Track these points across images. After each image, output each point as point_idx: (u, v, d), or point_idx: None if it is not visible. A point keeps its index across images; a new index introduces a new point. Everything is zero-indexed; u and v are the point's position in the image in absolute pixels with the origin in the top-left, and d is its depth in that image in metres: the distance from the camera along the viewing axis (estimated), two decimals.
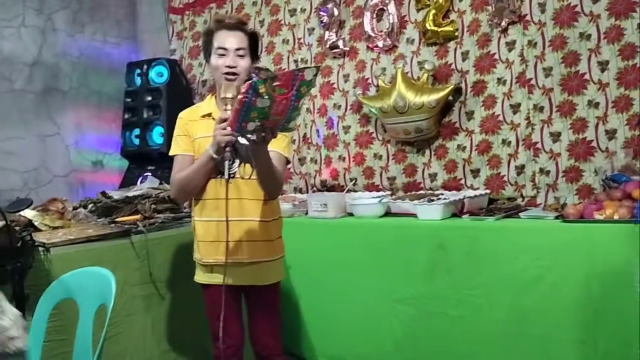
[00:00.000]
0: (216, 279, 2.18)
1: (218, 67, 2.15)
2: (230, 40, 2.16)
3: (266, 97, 1.69)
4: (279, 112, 1.78)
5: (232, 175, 2.04)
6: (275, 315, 2.34)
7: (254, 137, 1.86)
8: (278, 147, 2.14)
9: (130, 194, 3.08)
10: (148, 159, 4.13)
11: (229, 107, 1.96)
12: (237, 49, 2.16)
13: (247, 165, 2.05)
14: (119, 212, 2.93)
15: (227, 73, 2.13)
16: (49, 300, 2.03)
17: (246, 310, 2.34)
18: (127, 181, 4.07)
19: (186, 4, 4.44)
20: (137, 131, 4.23)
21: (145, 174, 3.93)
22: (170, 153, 2.27)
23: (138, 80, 4.29)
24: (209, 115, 2.20)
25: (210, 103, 2.26)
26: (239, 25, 2.21)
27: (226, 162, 1.92)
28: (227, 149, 1.93)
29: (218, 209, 2.11)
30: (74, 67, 4.42)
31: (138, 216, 2.88)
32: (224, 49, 2.15)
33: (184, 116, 2.30)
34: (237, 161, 2.05)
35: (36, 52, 4.22)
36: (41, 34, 4.26)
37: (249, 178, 2.07)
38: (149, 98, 4.21)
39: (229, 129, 1.87)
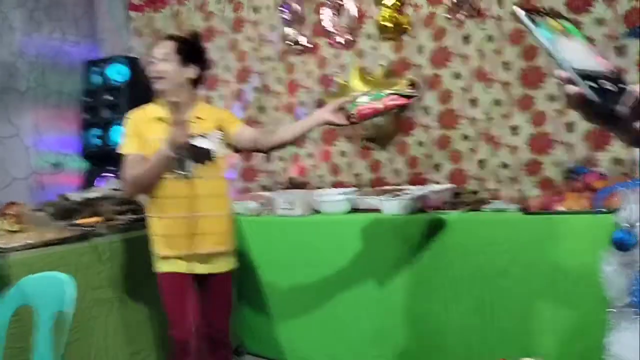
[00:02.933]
0: (175, 267, 2.36)
1: (150, 75, 2.38)
2: (158, 49, 2.39)
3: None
4: None
5: (189, 173, 2.30)
6: (226, 301, 2.55)
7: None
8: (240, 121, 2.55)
9: (91, 195, 3.02)
10: (109, 160, 4.03)
11: (176, 110, 2.18)
12: (162, 56, 2.36)
13: (201, 165, 2.33)
14: (78, 214, 2.87)
15: (152, 77, 2.36)
16: (5, 308, 1.93)
17: (200, 296, 2.47)
18: (88, 182, 3.98)
19: (147, 1, 4.35)
20: (97, 131, 4.13)
21: (106, 175, 3.85)
22: (123, 152, 2.35)
23: (97, 79, 4.20)
24: (160, 118, 2.33)
25: (160, 108, 2.38)
26: (170, 36, 2.46)
27: (188, 169, 2.26)
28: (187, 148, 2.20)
29: (177, 206, 2.31)
30: (31, 66, 4.30)
31: (99, 218, 2.82)
32: (153, 57, 2.38)
33: (134, 117, 2.43)
34: (191, 162, 2.30)
35: None
36: None
37: (204, 177, 2.33)
38: (109, 97, 4.11)
39: (184, 130, 2.17)
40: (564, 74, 0.75)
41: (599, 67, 0.76)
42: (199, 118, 2.38)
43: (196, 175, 2.33)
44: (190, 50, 2.42)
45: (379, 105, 2.10)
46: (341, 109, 2.16)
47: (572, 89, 0.74)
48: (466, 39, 3.00)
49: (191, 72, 2.40)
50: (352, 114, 2.13)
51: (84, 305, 2.50)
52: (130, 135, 2.37)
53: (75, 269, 2.50)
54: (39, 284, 1.91)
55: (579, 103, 0.75)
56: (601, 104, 0.73)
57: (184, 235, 2.32)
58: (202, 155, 2.34)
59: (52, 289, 1.82)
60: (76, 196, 3.02)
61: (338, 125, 2.22)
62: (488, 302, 2.49)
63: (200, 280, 2.43)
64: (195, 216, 2.32)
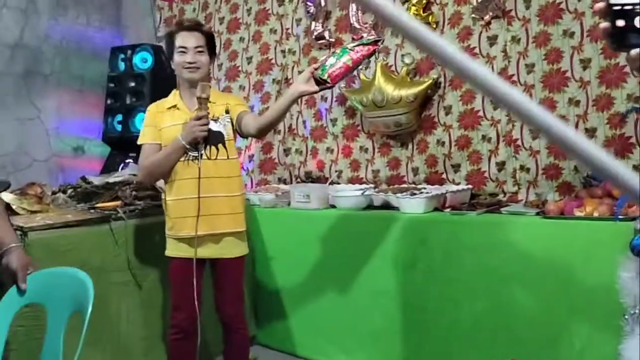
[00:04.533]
0: (185, 252, 2.44)
1: (180, 63, 2.46)
2: (190, 40, 2.47)
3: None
4: None
5: (202, 157, 2.40)
6: (239, 286, 2.59)
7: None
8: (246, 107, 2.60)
9: (111, 180, 3.05)
10: (130, 146, 4.06)
11: (203, 106, 2.34)
12: (196, 47, 2.46)
13: (213, 147, 2.43)
14: (99, 198, 2.90)
15: (188, 68, 2.45)
16: (10, 306, 1.74)
17: (212, 282, 2.56)
18: (108, 167, 4.02)
19: None
20: (119, 117, 4.17)
21: (127, 161, 3.89)
22: (139, 142, 2.51)
23: (122, 66, 4.23)
24: (175, 107, 2.48)
25: (175, 97, 2.54)
26: (197, 27, 2.53)
27: (201, 151, 2.37)
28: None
29: (188, 188, 2.40)
30: (56, 50, 4.35)
31: (118, 202, 2.85)
32: (185, 47, 2.46)
33: (152, 109, 2.57)
34: (203, 144, 2.40)
35: (18, 34, 4.15)
36: (23, 16, 4.19)
37: (216, 158, 2.43)
38: (133, 84, 4.15)
39: (205, 126, 2.33)
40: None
41: None
42: (210, 102, 2.46)
43: (208, 157, 2.43)
44: (214, 43, 2.59)
45: (347, 61, 2.14)
46: (313, 77, 2.24)
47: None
48: (491, 39, 2.98)
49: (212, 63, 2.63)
50: (324, 79, 2.18)
51: (98, 288, 2.50)
52: (148, 125, 2.52)
53: (92, 251, 2.55)
54: (53, 280, 1.76)
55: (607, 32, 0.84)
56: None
57: (196, 217, 2.39)
58: (214, 138, 2.43)
59: (69, 287, 1.71)
60: (97, 180, 3.06)
61: (313, 93, 2.29)
62: (501, 304, 2.49)
63: (212, 265, 2.53)
64: (207, 197, 2.41)
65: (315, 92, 2.29)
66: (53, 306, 1.72)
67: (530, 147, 2.88)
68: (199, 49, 2.47)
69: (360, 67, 2.46)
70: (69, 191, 2.98)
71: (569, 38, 2.75)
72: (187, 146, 2.36)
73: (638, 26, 0.83)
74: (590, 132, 2.72)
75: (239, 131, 2.51)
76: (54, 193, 2.97)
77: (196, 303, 2.41)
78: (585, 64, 2.72)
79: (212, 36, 2.61)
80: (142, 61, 4.17)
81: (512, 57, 2.93)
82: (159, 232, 2.59)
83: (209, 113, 2.36)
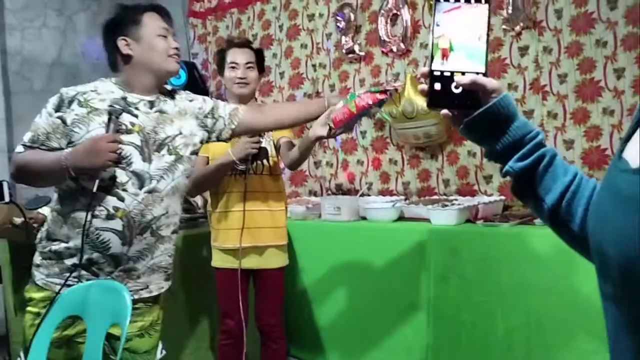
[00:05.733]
0: (230, 263, 2.57)
1: (231, 78, 2.58)
2: (241, 56, 2.59)
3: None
4: None
5: (249, 171, 2.53)
6: (279, 296, 2.71)
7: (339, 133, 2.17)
8: (289, 134, 2.67)
9: None
10: None
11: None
12: (246, 63, 2.58)
13: (259, 162, 2.55)
14: None
15: (238, 83, 2.57)
16: (52, 318, 1.77)
17: (253, 291, 2.69)
18: None
19: (208, 8, 4.48)
20: None
21: None
22: None
23: None
24: None
25: None
26: (247, 44, 2.66)
27: (248, 166, 2.49)
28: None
29: (235, 201, 2.53)
30: (93, 67, 4.47)
31: None
32: (236, 63, 2.58)
33: None
34: (250, 160, 2.50)
35: (56, 52, 4.29)
36: (62, 35, 4.34)
37: (262, 173, 2.57)
38: None
39: (257, 144, 2.43)
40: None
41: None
42: None
43: (254, 172, 2.56)
44: (263, 60, 2.71)
45: (352, 107, 2.04)
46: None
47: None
48: (522, 50, 2.97)
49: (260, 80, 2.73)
50: (329, 124, 2.11)
51: None
52: None
53: None
54: (91, 292, 1.78)
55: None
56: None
57: (240, 229, 2.50)
58: (260, 154, 2.53)
59: (107, 299, 1.72)
60: None
61: (325, 137, 2.20)
62: (534, 317, 2.45)
63: (254, 275, 2.65)
64: (251, 211, 2.53)
65: (329, 137, 2.20)
66: (92, 318, 1.74)
67: (564, 158, 2.84)
68: (249, 65, 2.59)
69: (369, 114, 2.36)
70: None
71: (602, 47, 2.73)
72: (237, 162, 2.45)
73: (452, 90, 0.96)
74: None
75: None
76: None
77: (242, 311, 2.53)
78: (619, 73, 2.69)
79: (262, 53, 2.73)
80: (176, 77, 4.25)
81: (544, 68, 2.91)
82: (196, 243, 2.66)
83: (262, 134, 2.45)
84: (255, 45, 4.08)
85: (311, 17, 3.85)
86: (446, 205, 2.84)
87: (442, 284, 2.71)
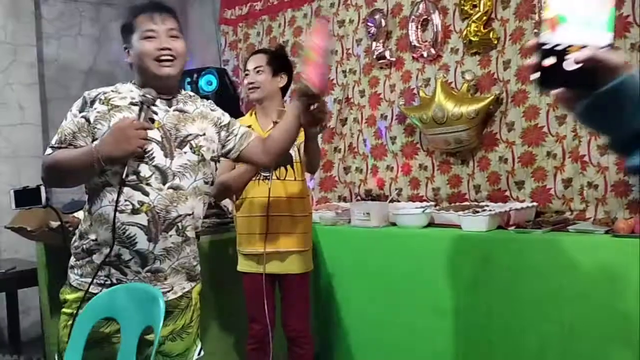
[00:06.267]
0: (254, 268, 2.59)
1: (244, 85, 2.67)
2: (251, 63, 2.64)
3: None
4: None
5: (272, 177, 2.54)
6: (305, 301, 2.70)
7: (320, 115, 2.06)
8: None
9: None
10: None
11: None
12: (255, 68, 2.62)
13: (282, 168, 2.56)
14: None
15: (249, 88, 2.64)
16: (87, 318, 1.82)
17: (279, 297, 2.70)
18: None
19: (239, 16, 4.52)
20: None
21: None
22: None
23: (188, 88, 4.39)
24: (250, 127, 2.43)
25: (252, 116, 2.69)
26: (261, 50, 2.74)
27: (272, 172, 2.47)
28: None
29: (258, 206, 2.54)
30: (127, 75, 4.55)
31: None
32: (247, 70, 2.65)
33: None
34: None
35: (91, 59, 4.39)
36: (96, 43, 4.43)
37: (284, 179, 2.58)
38: None
39: None
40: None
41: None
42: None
43: (277, 177, 2.57)
44: (279, 60, 2.68)
45: (311, 57, 1.97)
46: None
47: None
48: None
49: (281, 80, 2.67)
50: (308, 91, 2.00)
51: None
52: None
53: None
54: (126, 295, 1.82)
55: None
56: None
57: (264, 235, 2.52)
58: (284, 160, 2.53)
59: (141, 302, 1.75)
60: None
61: (313, 120, 2.09)
62: (568, 325, 2.41)
63: (279, 280, 2.66)
64: (274, 216, 2.54)
65: (316, 110, 2.07)
66: (126, 320, 1.77)
67: (598, 164, 2.79)
68: (258, 69, 2.61)
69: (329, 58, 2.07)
70: None
71: (638, 52, 2.67)
72: (258, 169, 2.48)
73: (565, 68, 0.83)
74: None
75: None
76: None
77: (267, 316, 2.55)
78: None
79: (277, 55, 2.73)
80: (208, 84, 4.33)
81: None
82: (230, 247, 2.69)
83: None
84: (287, 51, 4.12)
85: (341, 24, 3.86)
86: (477, 212, 2.82)
87: (472, 291, 2.68)
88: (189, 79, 4.39)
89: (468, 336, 2.70)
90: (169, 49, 1.88)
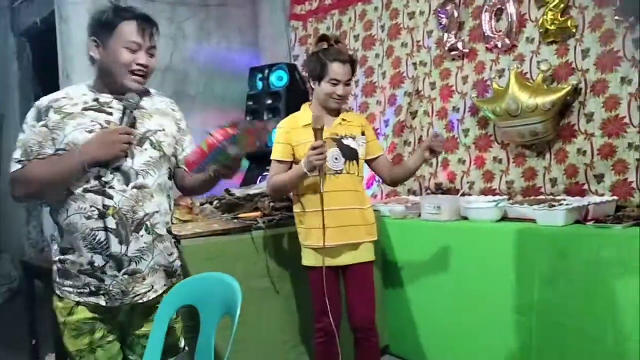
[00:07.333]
0: (319, 261, 2.56)
1: (329, 93, 2.59)
2: (343, 73, 2.59)
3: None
4: None
5: (338, 172, 2.58)
6: (370, 290, 2.67)
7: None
8: (382, 150, 2.82)
9: (251, 191, 3.24)
10: (267, 159, 4.28)
11: (318, 137, 2.41)
12: (347, 80, 2.62)
13: (349, 162, 2.59)
14: (241, 208, 3.09)
15: (336, 99, 2.61)
16: (168, 307, 1.89)
17: (344, 287, 2.67)
18: (248, 180, 4.25)
19: (308, 11, 4.57)
20: None
21: (264, 173, 4.09)
22: (271, 157, 2.67)
23: (259, 84, 4.50)
24: (309, 125, 2.50)
25: (308, 114, 2.62)
26: (350, 59, 2.63)
27: (322, 174, 2.46)
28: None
29: (327, 200, 2.51)
30: (200, 72, 4.70)
31: (258, 213, 3.02)
32: (337, 80, 2.58)
33: (284, 125, 2.70)
34: (342, 159, 2.58)
35: (168, 58, 4.54)
36: (172, 42, 4.58)
37: (350, 173, 2.59)
38: (269, 101, 4.40)
39: (321, 155, 2.39)
40: None
41: None
42: (345, 120, 2.66)
43: (342, 171, 2.59)
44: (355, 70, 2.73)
45: (203, 146, 1.82)
46: None
47: None
48: (637, 42, 2.79)
49: None
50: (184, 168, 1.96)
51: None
52: (279, 142, 2.66)
53: (235, 258, 2.72)
54: (205, 284, 1.88)
55: None
56: None
57: (329, 227, 2.51)
58: (350, 154, 2.61)
59: (219, 291, 1.78)
60: (239, 192, 3.26)
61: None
62: None
63: (344, 272, 2.64)
64: (340, 210, 2.56)
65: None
66: (205, 308, 1.83)
67: None
68: (348, 82, 2.64)
69: (226, 155, 1.85)
70: (215, 202, 3.21)
71: (627, 85, 2.53)
72: (309, 174, 2.47)
73: None
74: None
75: (369, 166, 2.77)
76: (201, 204, 3.20)
77: (335, 309, 2.55)
78: None
79: (356, 64, 2.79)
80: (278, 79, 4.40)
81: None
82: (296, 241, 2.72)
83: (324, 142, 2.44)
84: (357, 45, 4.13)
85: (412, 15, 3.83)
86: (553, 206, 2.74)
87: (547, 287, 2.61)
88: (260, 75, 4.49)
89: (541, 333, 2.63)
90: (146, 66, 1.89)
